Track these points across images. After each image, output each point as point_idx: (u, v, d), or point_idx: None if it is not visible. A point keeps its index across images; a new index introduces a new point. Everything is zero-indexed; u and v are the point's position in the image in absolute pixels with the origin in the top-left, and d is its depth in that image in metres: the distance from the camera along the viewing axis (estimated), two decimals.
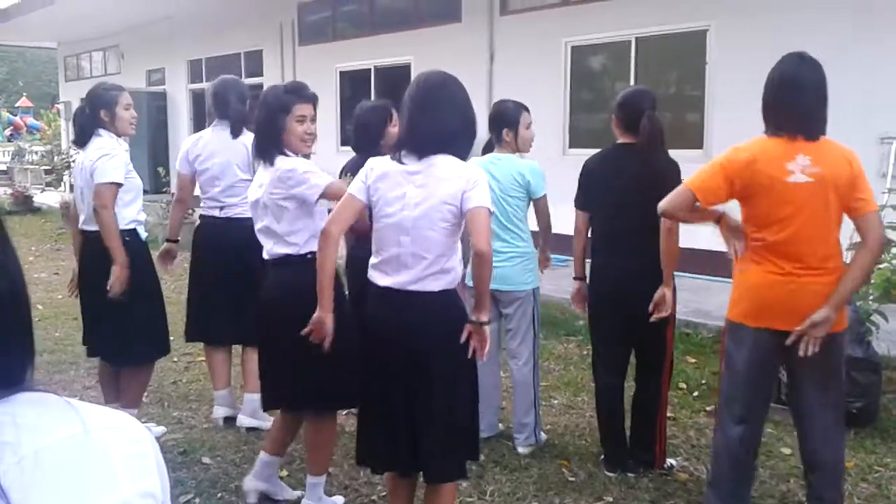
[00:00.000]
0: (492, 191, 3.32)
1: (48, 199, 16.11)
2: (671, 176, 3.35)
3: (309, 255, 3.03)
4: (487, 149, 3.93)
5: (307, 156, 3.21)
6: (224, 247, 4.13)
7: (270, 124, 3.09)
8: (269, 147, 3.09)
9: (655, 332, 3.53)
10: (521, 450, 3.93)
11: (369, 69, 11.92)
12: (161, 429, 4.19)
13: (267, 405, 3.59)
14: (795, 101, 2.75)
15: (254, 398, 4.02)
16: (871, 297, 4.38)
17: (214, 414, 4.33)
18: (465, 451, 2.77)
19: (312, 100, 3.17)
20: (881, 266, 4.38)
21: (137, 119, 4.07)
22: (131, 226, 3.92)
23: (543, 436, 4.04)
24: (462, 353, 2.61)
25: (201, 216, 4.38)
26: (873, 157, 6.28)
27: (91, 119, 3.90)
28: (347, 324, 2.97)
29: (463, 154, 2.69)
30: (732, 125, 7.65)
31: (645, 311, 3.40)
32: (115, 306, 3.77)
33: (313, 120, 3.17)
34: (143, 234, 4.05)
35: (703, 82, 8.13)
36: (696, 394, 4.76)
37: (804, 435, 2.92)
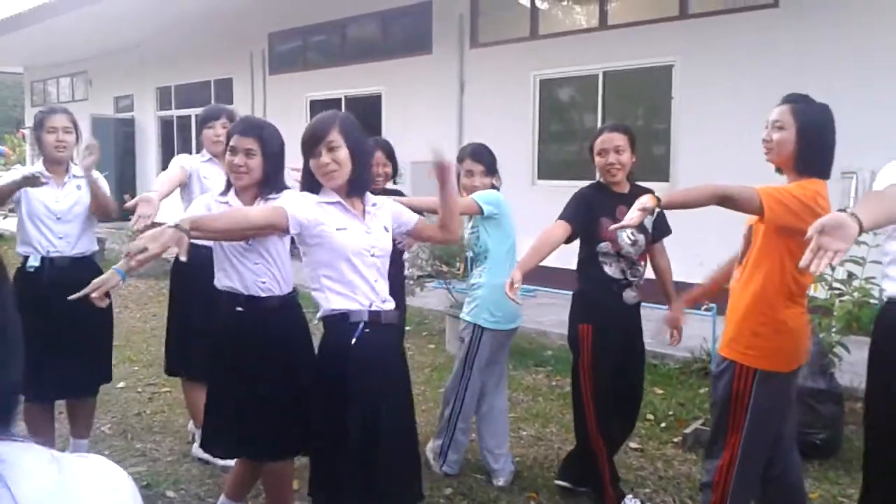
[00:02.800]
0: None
1: (11, 225, 15.83)
2: None
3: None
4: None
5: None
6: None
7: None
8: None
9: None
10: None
11: (340, 99, 11.96)
12: None
13: (231, 455, 3.29)
14: (834, 145, 2.76)
15: None
16: (833, 330, 4.45)
17: (194, 451, 4.23)
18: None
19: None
20: (843, 299, 4.46)
21: (70, 144, 3.79)
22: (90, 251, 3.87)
23: (512, 468, 4.02)
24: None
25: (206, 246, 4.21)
26: (835, 191, 6.34)
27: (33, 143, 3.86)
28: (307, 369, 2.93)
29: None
30: (698, 158, 7.82)
31: None
32: (90, 333, 3.74)
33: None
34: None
35: (669, 116, 8.28)
36: (663, 425, 4.78)
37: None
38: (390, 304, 2.70)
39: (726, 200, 2.62)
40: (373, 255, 2.63)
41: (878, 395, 2.57)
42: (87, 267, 3.79)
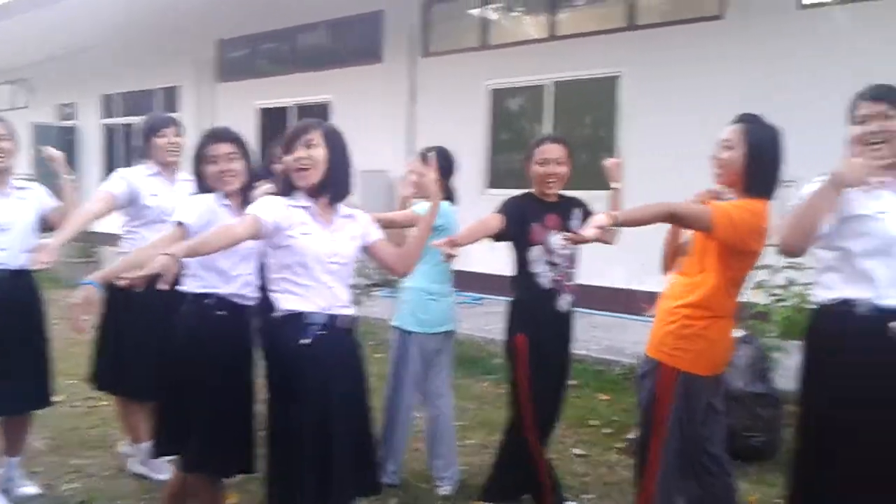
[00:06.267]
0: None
1: None
2: None
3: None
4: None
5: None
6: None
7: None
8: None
9: None
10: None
11: (289, 107, 11.87)
12: (35, 489, 3.89)
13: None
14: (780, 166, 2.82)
15: (145, 447, 3.89)
16: (772, 335, 4.53)
17: (131, 466, 4.14)
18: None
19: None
20: (783, 304, 4.54)
21: (8, 152, 3.59)
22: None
23: (458, 476, 3.99)
24: None
25: None
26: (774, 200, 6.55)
27: None
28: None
29: None
30: (644, 167, 7.90)
31: None
32: (27, 347, 3.64)
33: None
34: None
35: (614, 126, 8.39)
36: (607, 431, 4.81)
37: None
38: (348, 309, 2.72)
39: (677, 218, 2.75)
40: (332, 262, 2.65)
41: (807, 396, 2.62)
42: (25, 281, 3.69)
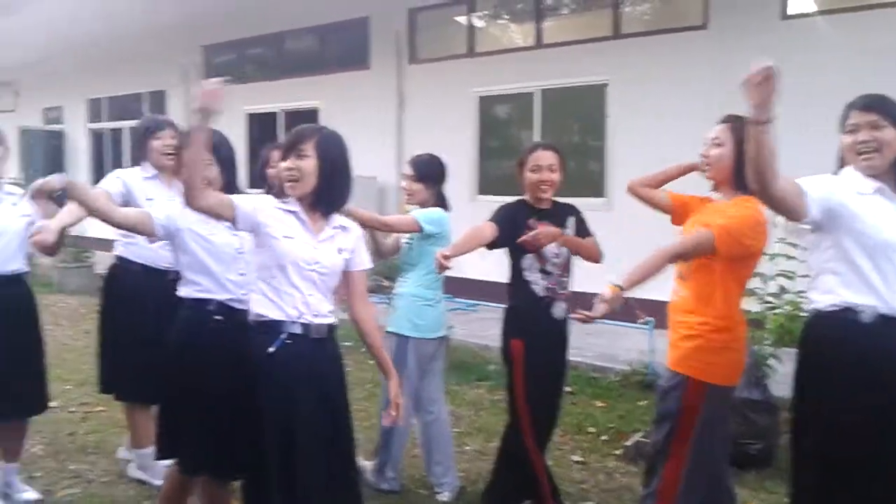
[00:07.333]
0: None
1: None
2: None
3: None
4: None
5: None
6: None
7: None
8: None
9: None
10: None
11: (277, 112, 11.86)
12: (35, 495, 3.89)
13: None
14: None
15: (145, 452, 3.91)
16: (766, 342, 4.60)
17: (130, 472, 4.15)
18: None
19: None
20: (776, 312, 4.61)
21: None
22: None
23: (457, 482, 4.02)
24: None
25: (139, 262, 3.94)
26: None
27: None
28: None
29: None
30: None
31: None
32: (21, 352, 3.65)
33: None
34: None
35: (603, 133, 8.46)
36: (604, 437, 4.86)
37: None
38: (325, 319, 2.67)
39: (681, 258, 2.83)
40: (312, 270, 2.62)
41: (805, 404, 2.63)
42: (19, 286, 3.70)
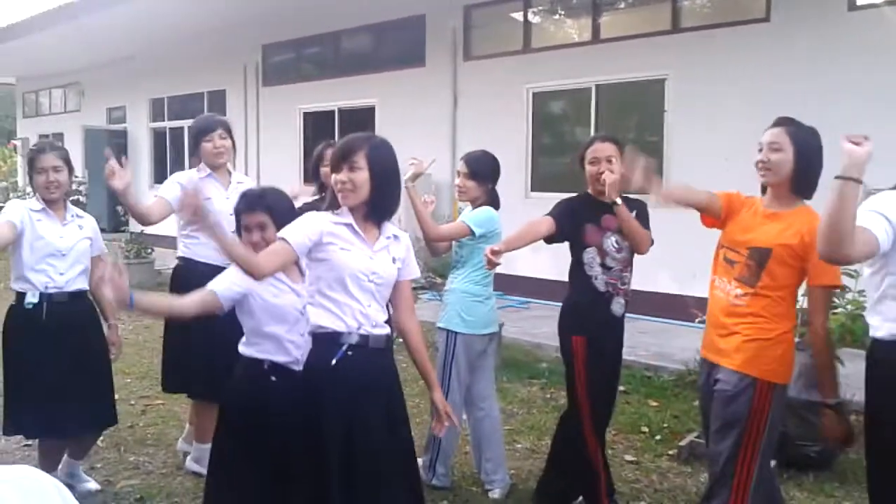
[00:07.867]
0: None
1: None
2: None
3: None
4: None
5: None
6: None
7: None
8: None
9: None
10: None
11: (333, 111, 11.98)
12: (95, 485, 4.01)
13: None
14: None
15: (206, 447, 3.92)
16: None
17: (188, 465, 4.21)
18: None
19: None
20: (836, 311, 4.47)
21: (63, 182, 3.74)
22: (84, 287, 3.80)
23: (508, 480, 4.01)
24: None
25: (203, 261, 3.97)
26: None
27: None
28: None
29: None
30: (691, 170, 7.85)
31: None
32: (100, 369, 3.81)
33: None
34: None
35: (661, 129, 8.33)
36: (658, 437, 4.78)
37: None
38: (382, 329, 2.68)
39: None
40: (370, 281, 2.63)
41: (880, 418, 2.55)
42: (82, 304, 3.81)
